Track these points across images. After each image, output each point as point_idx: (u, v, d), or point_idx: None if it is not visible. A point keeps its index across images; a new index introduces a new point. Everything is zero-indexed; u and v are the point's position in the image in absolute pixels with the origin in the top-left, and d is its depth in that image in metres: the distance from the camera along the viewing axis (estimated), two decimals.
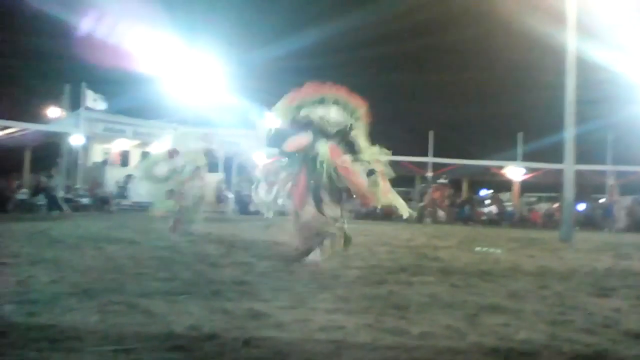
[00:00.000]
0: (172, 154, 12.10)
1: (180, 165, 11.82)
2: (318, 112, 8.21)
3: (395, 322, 4.56)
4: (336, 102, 8.22)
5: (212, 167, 31.79)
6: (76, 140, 27.65)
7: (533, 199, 37.26)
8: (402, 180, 33.84)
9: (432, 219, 27.17)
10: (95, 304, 4.84)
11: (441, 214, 27.22)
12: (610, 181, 31.46)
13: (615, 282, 7.40)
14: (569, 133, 17.06)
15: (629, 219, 28.09)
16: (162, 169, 11.75)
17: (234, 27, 34.44)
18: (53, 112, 33.66)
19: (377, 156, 8.27)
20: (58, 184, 23.52)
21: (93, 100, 28.51)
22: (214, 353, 3.60)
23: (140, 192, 12.07)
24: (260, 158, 27.81)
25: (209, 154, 12.31)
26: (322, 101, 8.25)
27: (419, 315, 4.86)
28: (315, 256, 8.22)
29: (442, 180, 30.18)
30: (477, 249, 9.67)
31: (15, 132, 27.94)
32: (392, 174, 8.36)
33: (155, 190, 11.86)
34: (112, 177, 29.08)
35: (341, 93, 8.28)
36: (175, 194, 11.63)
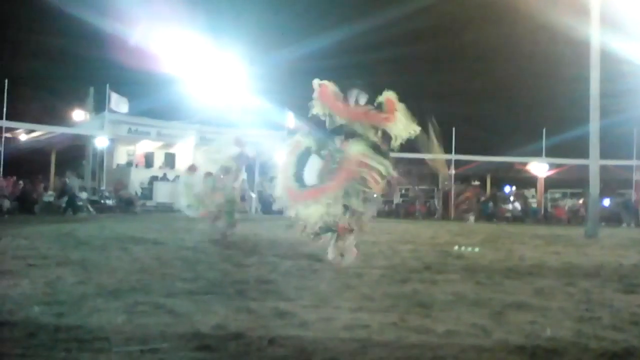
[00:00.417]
0: (192, 169, 12.23)
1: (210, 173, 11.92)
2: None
3: (420, 321, 4.55)
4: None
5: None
6: (101, 142, 27.92)
7: (558, 195, 36.85)
8: (425, 178, 33.76)
9: (464, 219, 27.03)
10: (121, 304, 4.89)
11: (471, 217, 27.09)
12: (637, 176, 31.02)
13: None
14: (594, 127, 16.86)
15: None
16: (197, 185, 11.88)
17: (255, 27, 34.52)
18: (78, 114, 34.01)
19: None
20: (74, 185, 23.77)
21: (117, 103, 28.76)
22: (240, 352, 3.62)
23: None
24: (282, 158, 27.88)
25: (241, 156, 12.35)
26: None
27: (443, 313, 4.84)
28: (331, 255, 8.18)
29: (475, 184, 30.02)
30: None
31: (42, 135, 28.31)
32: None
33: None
34: (137, 178, 29.33)
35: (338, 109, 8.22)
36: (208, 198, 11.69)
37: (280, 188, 8.24)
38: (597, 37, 16.68)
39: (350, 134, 8.15)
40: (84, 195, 24.66)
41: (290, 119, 32.31)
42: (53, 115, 32.29)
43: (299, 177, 8.11)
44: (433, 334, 4.17)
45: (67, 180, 23.98)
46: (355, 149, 7.94)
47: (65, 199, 23.36)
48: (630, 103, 28.37)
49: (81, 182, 25.23)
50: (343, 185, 7.88)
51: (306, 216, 7.93)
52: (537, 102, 39.15)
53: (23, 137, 28.32)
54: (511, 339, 4.05)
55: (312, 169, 8.18)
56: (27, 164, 28.49)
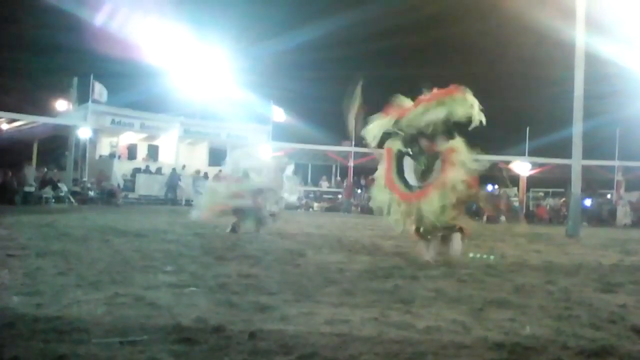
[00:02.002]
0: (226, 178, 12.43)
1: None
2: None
3: (401, 316, 4.56)
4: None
5: (218, 161, 32.03)
6: (84, 133, 27.70)
7: (540, 194, 37.15)
8: None
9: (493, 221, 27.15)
10: (101, 296, 4.86)
11: (503, 218, 27.34)
12: (618, 177, 31.37)
13: (621, 277, 7.38)
14: (577, 128, 16.98)
15: (635, 215, 28.05)
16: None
17: (241, 20, 34.40)
18: (61, 105, 33.72)
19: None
20: (28, 177, 23.73)
21: (100, 94, 28.55)
22: (220, 346, 3.60)
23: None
24: (266, 152, 27.93)
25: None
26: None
27: (424, 310, 4.86)
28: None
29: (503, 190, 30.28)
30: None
31: (24, 124, 28.03)
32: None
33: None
34: (120, 170, 29.15)
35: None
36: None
37: (383, 191, 8.44)
38: (582, 38, 16.78)
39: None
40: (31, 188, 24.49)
41: (276, 112, 32.31)
42: (35, 105, 31.98)
43: (402, 179, 8.29)
44: (413, 329, 4.18)
45: (25, 171, 23.94)
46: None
47: (48, 189, 23.27)
48: (613, 104, 28.65)
49: (36, 172, 25.11)
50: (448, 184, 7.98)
51: (427, 214, 7.95)
52: (522, 101, 39.37)
53: (4, 126, 28.03)
54: (491, 335, 4.07)
55: (409, 170, 8.37)
56: (8, 154, 28.20)
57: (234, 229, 11.52)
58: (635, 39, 22.12)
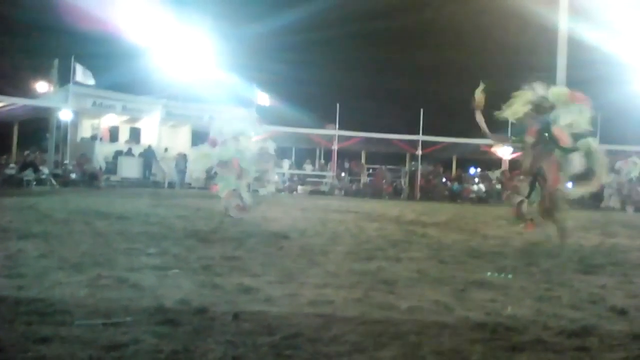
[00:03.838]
0: (213, 142, 11.98)
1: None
2: None
3: (384, 297, 4.60)
4: None
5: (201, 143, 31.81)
6: (65, 115, 27.40)
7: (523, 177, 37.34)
8: (393, 159, 33.98)
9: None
10: (84, 278, 4.84)
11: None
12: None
13: (601, 259, 7.47)
14: None
15: (617, 198, 28.29)
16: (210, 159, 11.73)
17: (224, 1, 34.04)
18: (42, 86, 33.29)
19: None
20: None
21: (82, 75, 28.19)
22: (204, 327, 3.61)
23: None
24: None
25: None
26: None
27: (407, 290, 4.89)
28: None
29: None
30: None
31: (3, 106, 27.63)
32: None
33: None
34: (101, 152, 28.87)
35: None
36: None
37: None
38: (564, 23, 16.84)
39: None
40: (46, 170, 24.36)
41: (260, 95, 32.19)
42: (15, 86, 31.51)
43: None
44: (396, 310, 4.21)
45: None
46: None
47: (29, 172, 23.08)
48: (596, 90, 28.76)
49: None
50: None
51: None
52: (504, 86, 39.50)
53: None
54: (472, 316, 4.11)
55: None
56: None
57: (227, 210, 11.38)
58: (617, 24, 22.21)
